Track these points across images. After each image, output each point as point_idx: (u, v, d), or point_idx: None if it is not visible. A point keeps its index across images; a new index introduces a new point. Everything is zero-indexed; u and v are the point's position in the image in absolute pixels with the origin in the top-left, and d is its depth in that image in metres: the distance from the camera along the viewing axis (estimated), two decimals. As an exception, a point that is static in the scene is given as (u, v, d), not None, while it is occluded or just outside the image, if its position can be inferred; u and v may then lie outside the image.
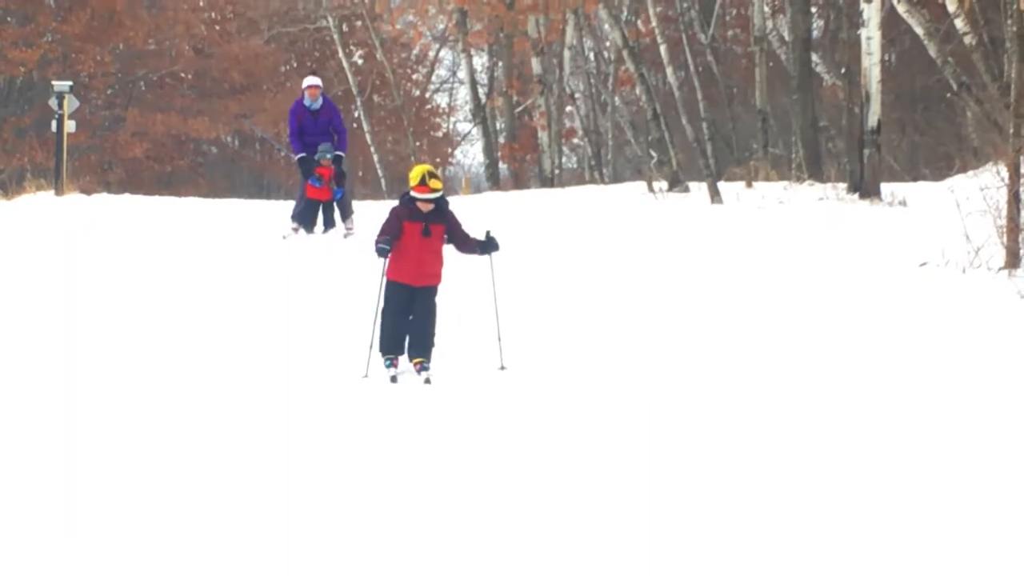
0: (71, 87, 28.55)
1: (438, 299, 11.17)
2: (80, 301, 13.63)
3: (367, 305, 11.36)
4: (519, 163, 42.74)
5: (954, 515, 7.06)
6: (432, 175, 10.86)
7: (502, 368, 11.14)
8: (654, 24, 35.87)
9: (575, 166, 50.37)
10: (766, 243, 17.00)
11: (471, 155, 58.18)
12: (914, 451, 8.29)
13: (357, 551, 6.43)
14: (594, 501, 7.32)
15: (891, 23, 27.89)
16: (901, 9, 24.90)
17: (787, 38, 31.33)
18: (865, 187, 21.36)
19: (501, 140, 42.97)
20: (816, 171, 26.50)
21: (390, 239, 10.84)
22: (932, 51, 25.60)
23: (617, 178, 40.14)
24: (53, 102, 27.91)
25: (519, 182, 40.77)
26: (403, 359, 11.07)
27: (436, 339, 11.11)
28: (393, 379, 10.74)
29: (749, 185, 25.44)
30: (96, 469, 7.80)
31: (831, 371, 10.56)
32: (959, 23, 24.53)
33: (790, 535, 6.78)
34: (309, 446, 8.40)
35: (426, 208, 10.85)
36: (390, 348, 11.04)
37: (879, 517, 6.99)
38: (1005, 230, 13.98)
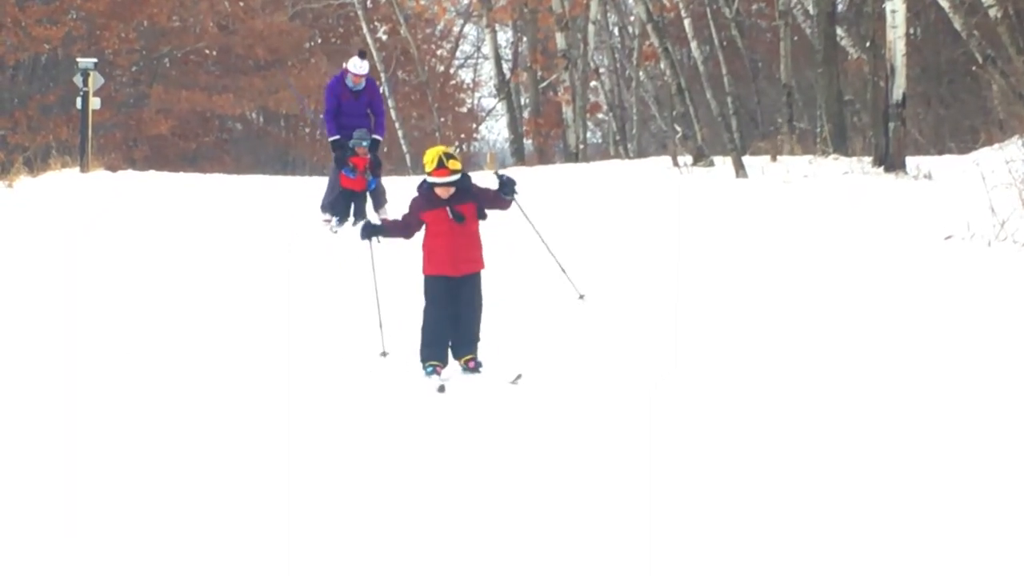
0: (96, 64, 28.65)
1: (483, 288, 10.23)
2: (97, 280, 13.67)
3: (388, 297, 10.95)
4: (544, 138, 42.64)
5: (979, 503, 7.01)
6: (449, 156, 9.87)
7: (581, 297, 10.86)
8: (678, -2, 35.75)
9: (600, 141, 50.31)
10: (791, 217, 16.96)
11: (496, 131, 58.26)
12: (937, 432, 8.23)
13: (361, 550, 6.35)
14: (611, 493, 7.28)
15: (916, -4, 27.78)
16: (926, -18, 24.81)
17: (812, 12, 31.16)
18: (890, 160, 21.26)
19: (526, 115, 42.87)
20: (841, 145, 26.38)
21: (393, 227, 10.33)
22: (957, 24, 25.47)
23: (642, 153, 40.09)
24: (78, 79, 28.00)
25: (544, 157, 40.69)
26: (449, 367, 10.16)
27: (482, 333, 10.21)
28: (441, 388, 9.66)
29: (774, 159, 25.35)
30: (97, 455, 7.78)
31: (855, 346, 10.53)
32: (984, -5, 24.42)
33: (807, 526, 6.76)
34: (313, 436, 8.28)
35: (445, 194, 9.90)
36: (433, 354, 10.05)
37: (895, 510, 6.85)
38: (1031, 203, 13.95)
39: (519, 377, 9.78)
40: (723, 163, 25.09)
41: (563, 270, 10.90)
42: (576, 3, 37.19)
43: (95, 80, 27.91)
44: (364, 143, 17.97)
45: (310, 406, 9.09)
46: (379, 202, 18.45)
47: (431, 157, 9.90)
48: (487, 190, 10.22)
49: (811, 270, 13.57)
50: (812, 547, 6.29)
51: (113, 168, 28.56)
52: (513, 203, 10.48)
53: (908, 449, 7.75)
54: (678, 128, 30.52)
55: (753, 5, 43.86)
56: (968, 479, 7.20)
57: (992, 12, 24.17)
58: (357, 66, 18.32)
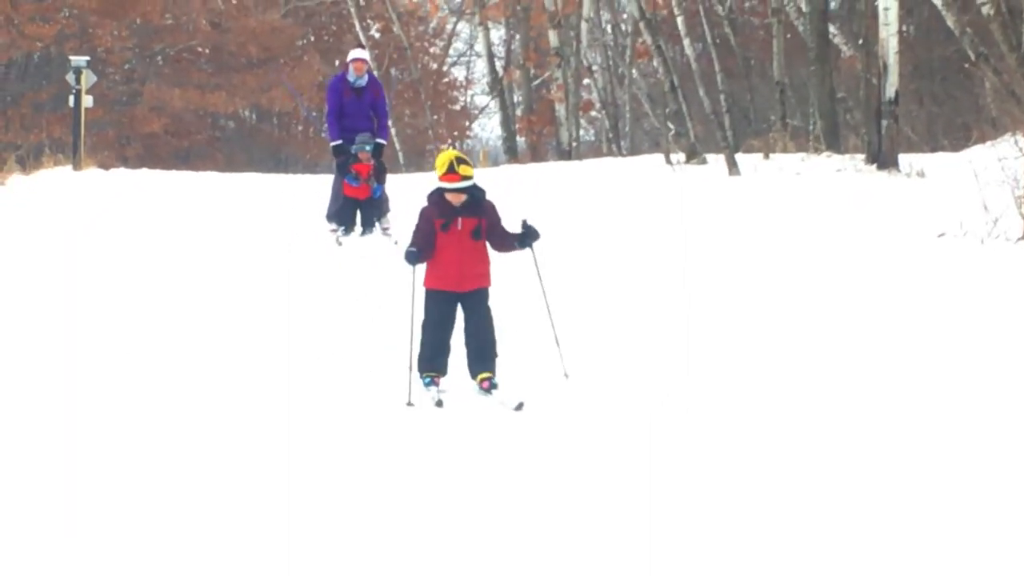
0: (88, 62, 28.68)
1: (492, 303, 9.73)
2: (94, 278, 13.59)
3: (400, 317, 10.21)
4: (537, 136, 42.74)
5: (977, 500, 7.02)
6: (461, 160, 9.42)
7: (566, 376, 9.93)
8: (671, -4, 35.79)
9: (593, 138, 50.41)
10: (784, 214, 16.96)
11: (489, 128, 58.16)
12: (932, 429, 8.25)
13: (361, 555, 6.31)
14: (613, 503, 7.26)
15: (909, -7, 27.81)
16: (919, -21, 24.85)
17: (804, 9, 31.17)
18: (883, 158, 21.32)
19: (519, 113, 42.96)
20: (834, 142, 26.43)
21: (421, 246, 9.51)
22: (950, 21, 25.51)
23: (635, 150, 40.14)
24: (71, 77, 28.02)
25: (537, 155, 40.76)
26: (446, 379, 9.67)
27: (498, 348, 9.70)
28: (439, 403, 9.24)
29: (767, 157, 25.39)
30: (96, 456, 7.73)
31: (850, 343, 10.55)
32: (977, -7, 24.45)
33: (806, 523, 6.77)
34: (312, 439, 8.18)
35: (457, 200, 9.45)
36: (431, 365, 9.63)
37: (892, 509, 6.85)
38: (1023, 200, 13.97)
39: (521, 405, 9.26)
40: (716, 160, 25.12)
41: (557, 343, 10.21)
42: (569, 1, 37.25)
43: (88, 78, 27.92)
44: (367, 147, 16.78)
45: (309, 408, 8.96)
46: (382, 210, 17.15)
47: (442, 161, 9.49)
48: (499, 220, 9.69)
49: (807, 269, 13.57)
50: (812, 548, 6.30)
51: (106, 166, 28.59)
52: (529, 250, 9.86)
53: (905, 451, 7.75)
54: (671, 125, 30.54)
55: (746, 2, 43.92)
56: (965, 476, 7.21)
57: (984, 9, 24.19)
58: (355, 53, 17.49)
